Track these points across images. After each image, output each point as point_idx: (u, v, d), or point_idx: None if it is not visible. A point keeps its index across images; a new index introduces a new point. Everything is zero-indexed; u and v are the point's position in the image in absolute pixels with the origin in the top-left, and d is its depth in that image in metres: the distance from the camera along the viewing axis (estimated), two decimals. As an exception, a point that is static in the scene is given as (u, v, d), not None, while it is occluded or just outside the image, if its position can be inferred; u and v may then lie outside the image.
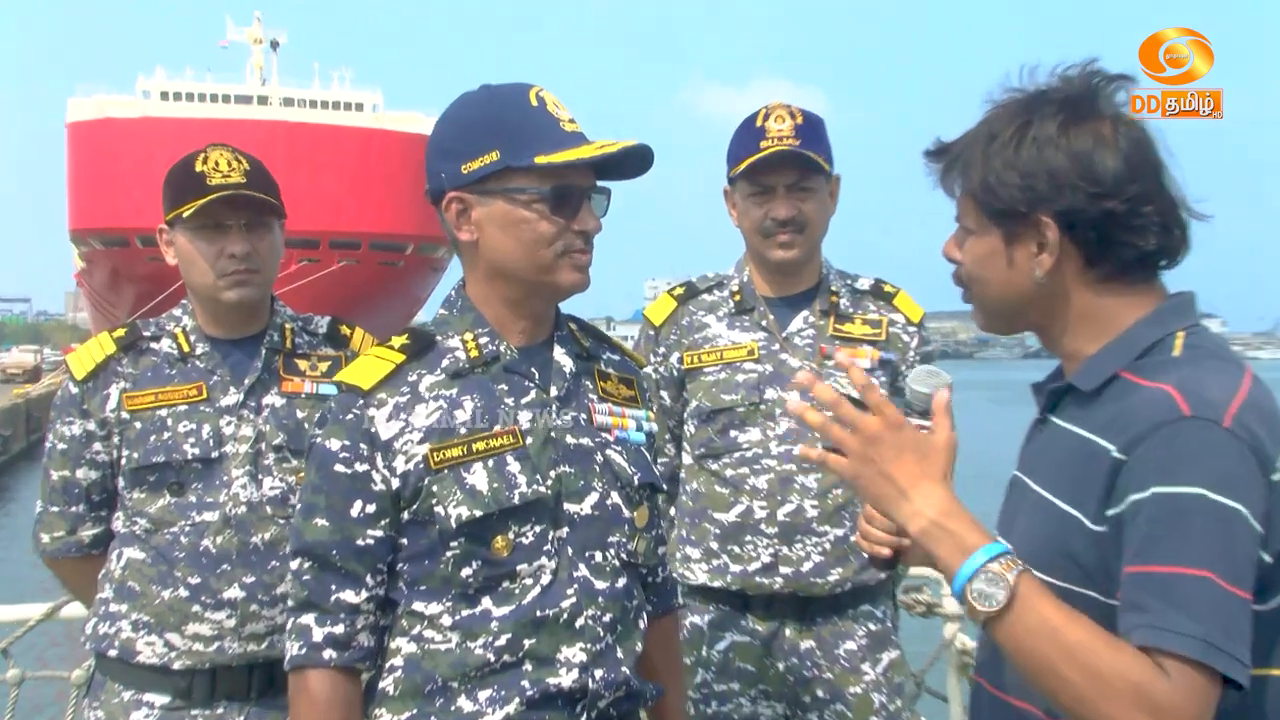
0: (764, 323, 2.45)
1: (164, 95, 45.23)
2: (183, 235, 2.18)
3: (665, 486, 1.68)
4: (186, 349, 2.22)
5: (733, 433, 2.40)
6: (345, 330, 2.37)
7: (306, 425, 2.16)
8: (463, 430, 1.54)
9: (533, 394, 1.60)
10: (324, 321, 2.37)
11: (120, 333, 2.26)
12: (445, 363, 1.58)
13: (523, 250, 1.56)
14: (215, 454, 2.15)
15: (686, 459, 2.52)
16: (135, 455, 2.15)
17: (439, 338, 1.61)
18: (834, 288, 2.48)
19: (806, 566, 2.33)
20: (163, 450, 2.14)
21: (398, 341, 1.61)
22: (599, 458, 1.60)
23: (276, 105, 45.23)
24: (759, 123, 2.37)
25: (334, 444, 1.54)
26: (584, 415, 1.63)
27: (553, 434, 1.58)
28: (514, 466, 1.54)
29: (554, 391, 1.61)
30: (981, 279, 1.37)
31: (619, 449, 1.63)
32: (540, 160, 1.52)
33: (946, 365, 1.62)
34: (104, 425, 2.18)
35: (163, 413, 2.17)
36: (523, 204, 1.54)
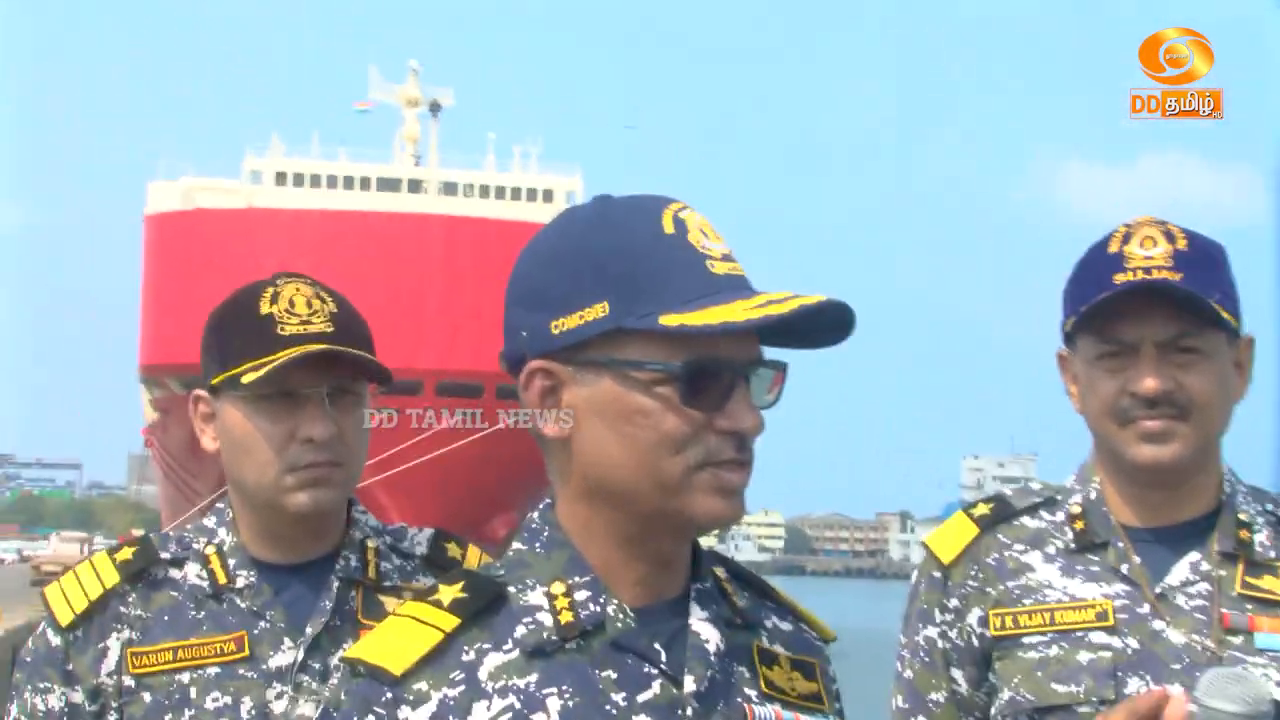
0: (1125, 568, 2.37)
1: (280, 178, 48.04)
2: (235, 408, 2.24)
3: None
4: (222, 579, 2.26)
5: None
6: (455, 550, 2.40)
7: None
8: None
9: (656, 688, 1.54)
10: (424, 537, 2.40)
11: (126, 555, 2.30)
12: (520, 632, 1.54)
13: (637, 458, 1.53)
14: None
15: (995, 787, 2.44)
16: None
17: (512, 588, 1.58)
18: (1244, 515, 2.39)
19: None
20: None
21: (448, 594, 1.57)
22: None
23: (434, 193, 47.26)
24: (1114, 247, 2.35)
25: None
26: None
27: None
28: None
29: (690, 684, 1.55)
30: None
31: None
32: (669, 320, 1.49)
33: None
34: (97, 695, 2.23)
35: (184, 678, 2.20)
36: (641, 386, 1.52)
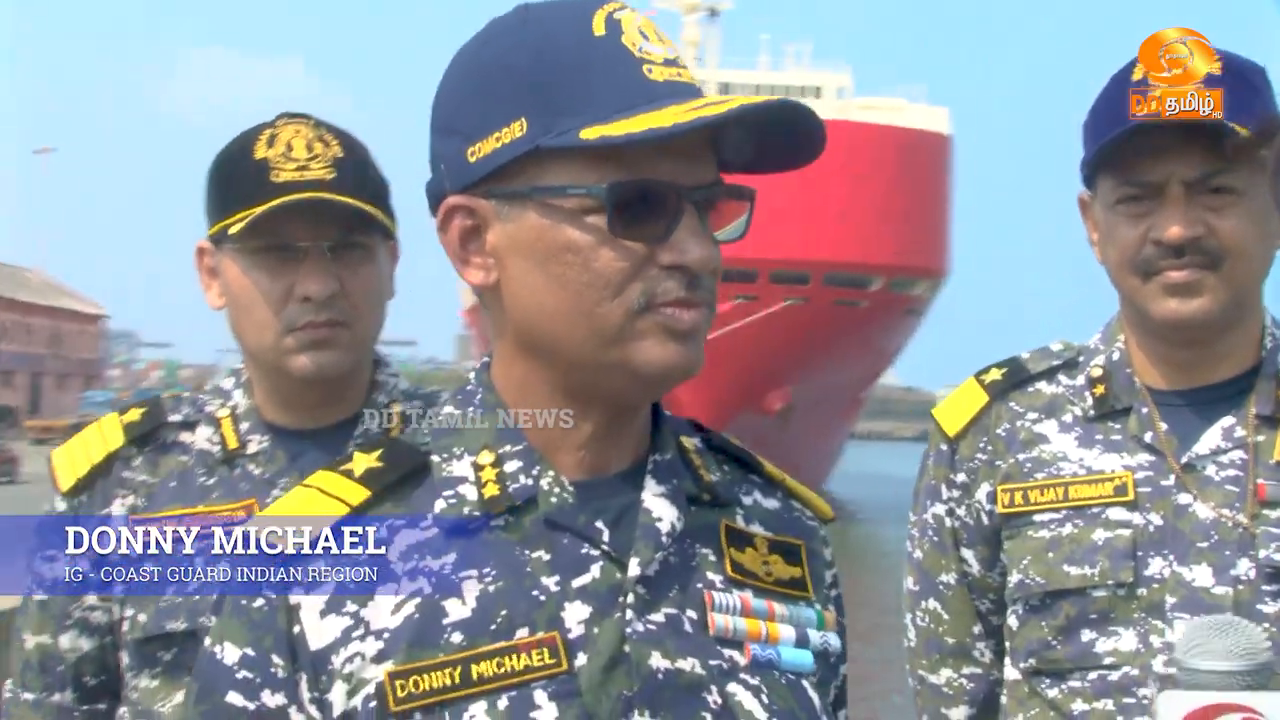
0: (1149, 436, 2.20)
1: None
2: (233, 261, 2.11)
3: None
4: (234, 444, 2.14)
5: (1087, 635, 2.18)
6: None
7: None
8: (457, 639, 1.31)
9: (596, 571, 1.36)
10: None
11: (134, 416, 2.20)
12: (440, 506, 1.37)
13: (570, 303, 1.33)
14: None
15: (1009, 672, 2.31)
16: (143, 618, 2.10)
17: (436, 458, 1.40)
18: None
19: None
20: (184, 612, 2.08)
21: (362, 463, 1.40)
22: (713, 700, 1.34)
23: (712, 93, 49.37)
24: (1138, 73, 2.14)
25: (230, 653, 1.35)
26: (691, 614, 1.37)
27: (627, 649, 1.33)
28: (547, 712, 1.30)
29: (634, 567, 1.36)
30: None
31: (755, 682, 1.37)
32: (590, 134, 1.29)
33: None
34: (102, 565, 2.11)
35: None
36: (566, 216, 1.32)
